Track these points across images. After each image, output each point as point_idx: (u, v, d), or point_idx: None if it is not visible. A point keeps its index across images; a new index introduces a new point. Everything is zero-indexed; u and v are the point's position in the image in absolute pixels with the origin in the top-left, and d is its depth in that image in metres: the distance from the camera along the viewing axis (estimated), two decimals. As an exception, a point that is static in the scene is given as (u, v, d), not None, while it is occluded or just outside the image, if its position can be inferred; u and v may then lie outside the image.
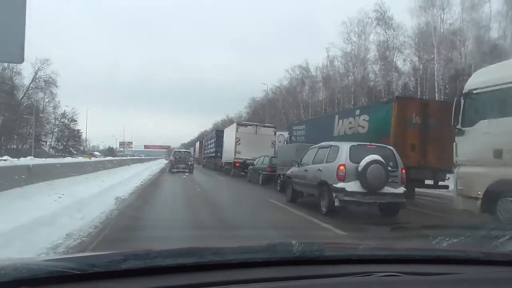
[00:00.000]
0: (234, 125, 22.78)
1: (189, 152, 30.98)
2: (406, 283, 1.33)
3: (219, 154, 27.38)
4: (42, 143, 60.40)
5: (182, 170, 24.21)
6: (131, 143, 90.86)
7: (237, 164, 21.35)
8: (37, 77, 53.32)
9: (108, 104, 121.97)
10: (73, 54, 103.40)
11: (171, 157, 27.52)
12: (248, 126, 22.37)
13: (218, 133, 29.87)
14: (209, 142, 35.53)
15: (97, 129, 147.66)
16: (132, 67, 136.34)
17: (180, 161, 25.20)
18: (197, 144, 54.28)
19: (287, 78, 51.48)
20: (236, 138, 21.31)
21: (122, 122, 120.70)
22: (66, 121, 61.73)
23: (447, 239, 2.67)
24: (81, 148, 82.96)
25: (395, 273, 1.36)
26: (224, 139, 25.84)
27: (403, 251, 1.75)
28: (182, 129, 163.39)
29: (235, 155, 21.29)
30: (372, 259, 1.53)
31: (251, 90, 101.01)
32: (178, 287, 1.19)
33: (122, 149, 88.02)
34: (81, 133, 67.04)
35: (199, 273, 1.28)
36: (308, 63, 47.24)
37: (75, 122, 63.65)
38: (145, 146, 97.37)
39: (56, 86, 54.61)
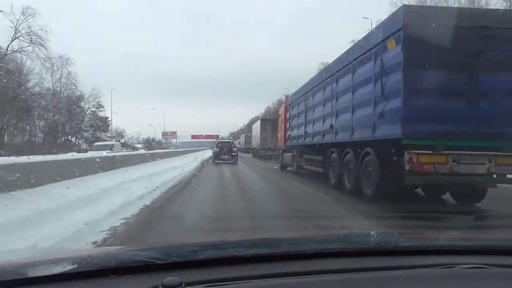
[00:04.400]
0: None
1: (233, 142, 29.26)
2: (495, 276, 1.20)
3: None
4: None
5: (226, 161, 23.02)
6: (175, 132, 78.02)
7: None
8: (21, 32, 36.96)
9: (149, 95, 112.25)
10: (110, 42, 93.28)
11: (214, 148, 26.03)
12: None
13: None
14: (326, 96, 10.82)
15: (135, 119, 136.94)
16: (176, 57, 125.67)
17: (223, 151, 23.96)
18: (257, 125, 34.17)
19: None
20: None
21: (165, 112, 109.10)
22: (90, 106, 49.18)
23: None
24: (123, 140, 72.25)
25: (480, 265, 1.23)
26: None
27: (487, 241, 1.65)
28: (230, 118, 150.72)
29: None
30: (453, 250, 1.42)
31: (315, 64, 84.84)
32: (254, 277, 1.15)
33: (164, 140, 75.61)
34: (109, 121, 53.89)
35: (274, 263, 1.24)
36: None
37: (102, 109, 51.08)
38: (192, 136, 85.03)
39: (45, 48, 38.01)
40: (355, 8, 76.82)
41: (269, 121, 31.13)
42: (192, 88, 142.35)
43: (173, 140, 79.50)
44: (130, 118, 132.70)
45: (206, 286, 1.06)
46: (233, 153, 23.91)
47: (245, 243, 1.46)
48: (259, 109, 78.45)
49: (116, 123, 73.39)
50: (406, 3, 9.37)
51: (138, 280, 1.11)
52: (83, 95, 47.65)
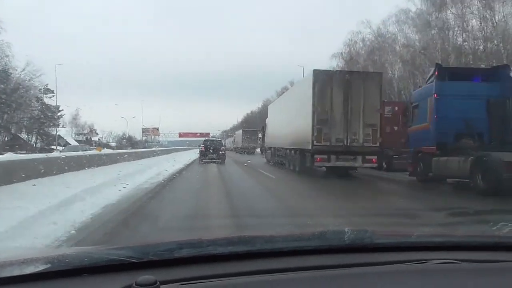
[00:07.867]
0: None
1: (220, 140, 28.75)
2: (464, 270, 1.27)
3: None
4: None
5: (212, 160, 22.43)
6: (157, 129, 67.52)
7: None
8: None
9: (137, 91, 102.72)
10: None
11: (200, 147, 25.11)
12: None
13: None
14: None
15: (121, 116, 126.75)
16: (166, 52, 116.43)
17: (210, 150, 23.31)
18: (299, 89, 15.52)
19: None
20: None
21: (153, 110, 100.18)
22: (28, 88, 35.96)
23: (509, 224, 2.31)
24: (96, 139, 62.32)
25: (451, 261, 1.28)
26: None
27: (459, 237, 1.70)
28: (222, 116, 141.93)
29: None
30: (427, 246, 1.47)
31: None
32: (230, 275, 1.16)
33: (145, 137, 65.18)
34: (61, 110, 42.48)
35: (250, 261, 1.26)
36: None
37: (51, 94, 37.90)
38: (180, 134, 74.87)
39: None
40: (348, 7, 71.56)
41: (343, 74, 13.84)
42: (179, 85, 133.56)
43: (157, 139, 69.26)
44: (118, 115, 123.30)
45: (181, 284, 1.06)
46: (220, 152, 23.38)
47: (221, 241, 1.47)
48: (257, 103, 68.43)
49: (85, 118, 62.96)
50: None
51: (112, 279, 1.10)
52: (7, 68, 34.38)
